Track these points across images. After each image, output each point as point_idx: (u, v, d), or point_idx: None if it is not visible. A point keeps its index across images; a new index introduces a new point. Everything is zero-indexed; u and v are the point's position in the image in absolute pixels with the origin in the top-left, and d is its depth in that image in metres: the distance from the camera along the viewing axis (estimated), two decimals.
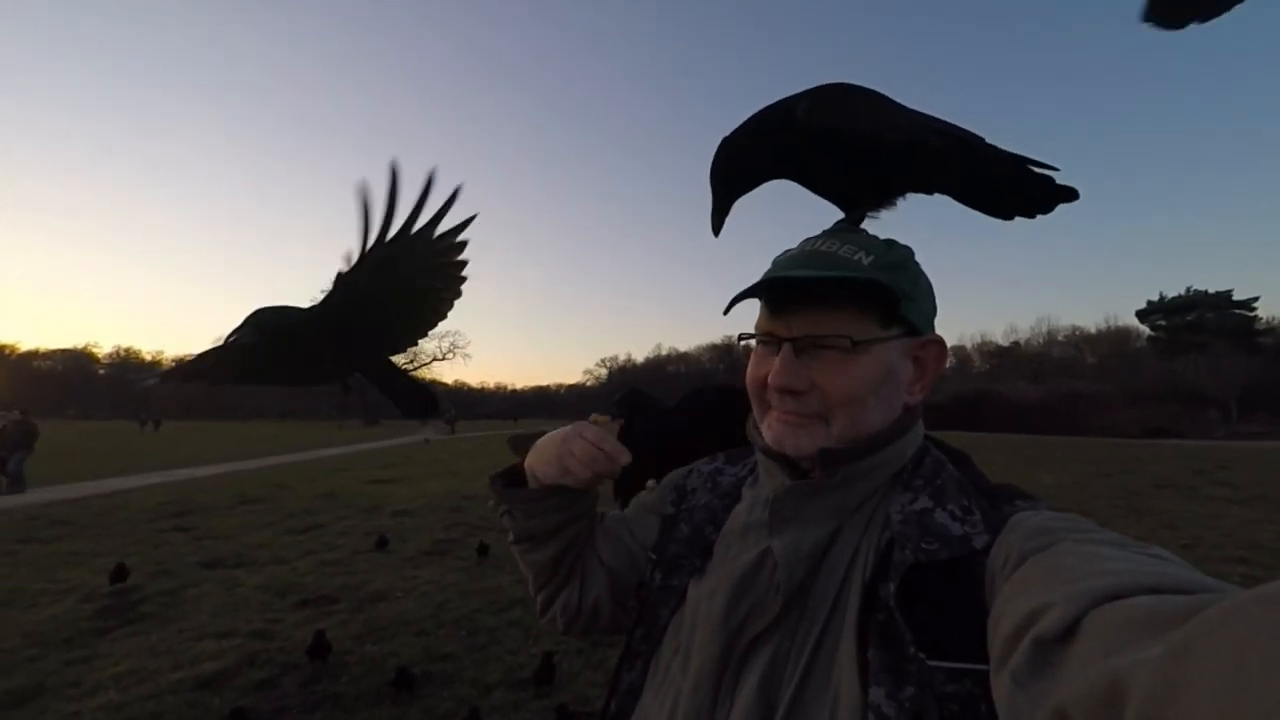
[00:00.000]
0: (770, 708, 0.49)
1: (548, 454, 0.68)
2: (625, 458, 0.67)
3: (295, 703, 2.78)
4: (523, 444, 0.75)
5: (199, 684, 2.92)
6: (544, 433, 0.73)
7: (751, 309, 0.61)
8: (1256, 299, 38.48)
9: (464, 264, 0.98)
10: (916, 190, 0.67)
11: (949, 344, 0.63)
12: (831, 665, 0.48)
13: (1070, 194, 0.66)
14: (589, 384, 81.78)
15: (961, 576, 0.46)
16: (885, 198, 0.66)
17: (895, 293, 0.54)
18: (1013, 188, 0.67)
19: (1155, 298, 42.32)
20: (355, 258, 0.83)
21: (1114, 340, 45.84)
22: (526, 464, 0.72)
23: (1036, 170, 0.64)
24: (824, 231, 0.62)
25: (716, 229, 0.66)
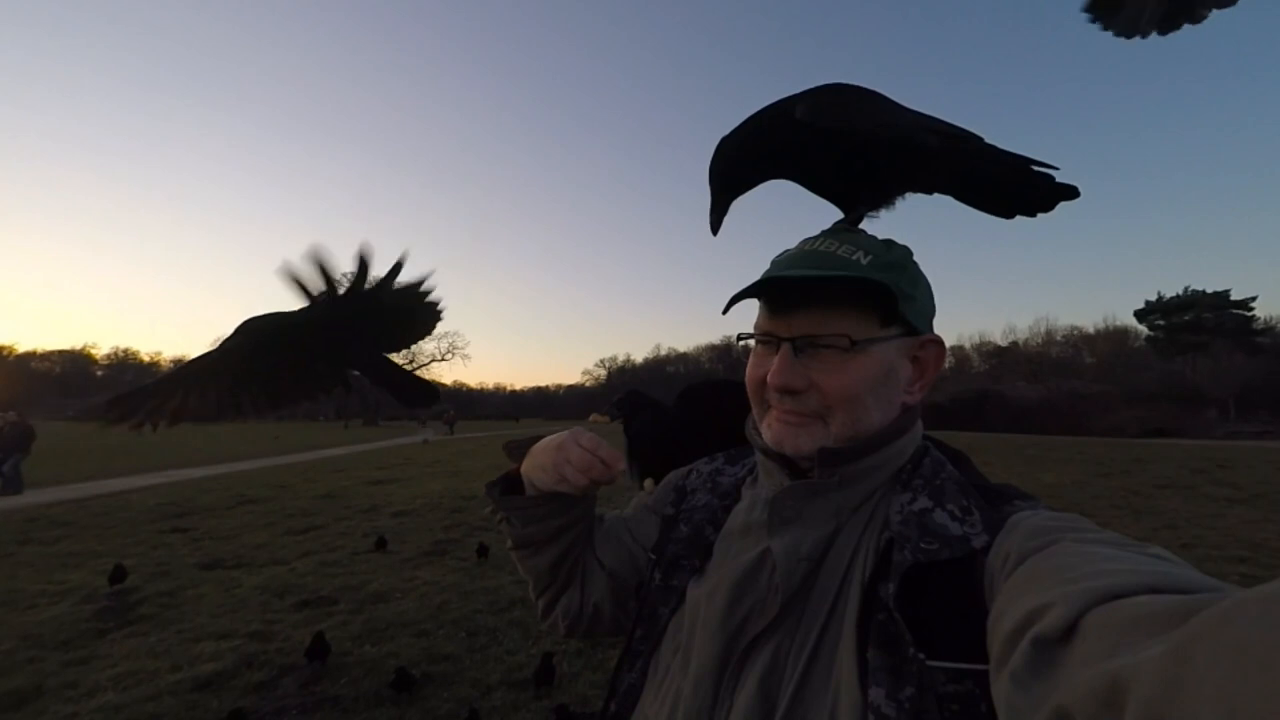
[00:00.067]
0: (770, 708, 0.49)
1: (544, 461, 0.68)
2: (621, 465, 0.67)
3: (294, 704, 2.77)
4: (518, 449, 0.75)
5: (198, 685, 2.92)
6: (540, 437, 0.72)
7: (751, 309, 0.61)
8: (1254, 298, 38.53)
9: (435, 303, 0.93)
10: (915, 190, 0.67)
11: (948, 344, 0.63)
12: (831, 665, 0.48)
13: (1071, 192, 0.66)
14: (588, 384, 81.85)
15: (961, 576, 0.46)
16: (884, 198, 0.66)
17: (894, 292, 0.54)
18: (1013, 187, 0.67)
19: (1153, 297, 42.36)
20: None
21: (1112, 340, 45.86)
22: (523, 470, 0.72)
23: (1037, 169, 0.64)
24: (823, 232, 0.62)
25: (715, 228, 0.66)
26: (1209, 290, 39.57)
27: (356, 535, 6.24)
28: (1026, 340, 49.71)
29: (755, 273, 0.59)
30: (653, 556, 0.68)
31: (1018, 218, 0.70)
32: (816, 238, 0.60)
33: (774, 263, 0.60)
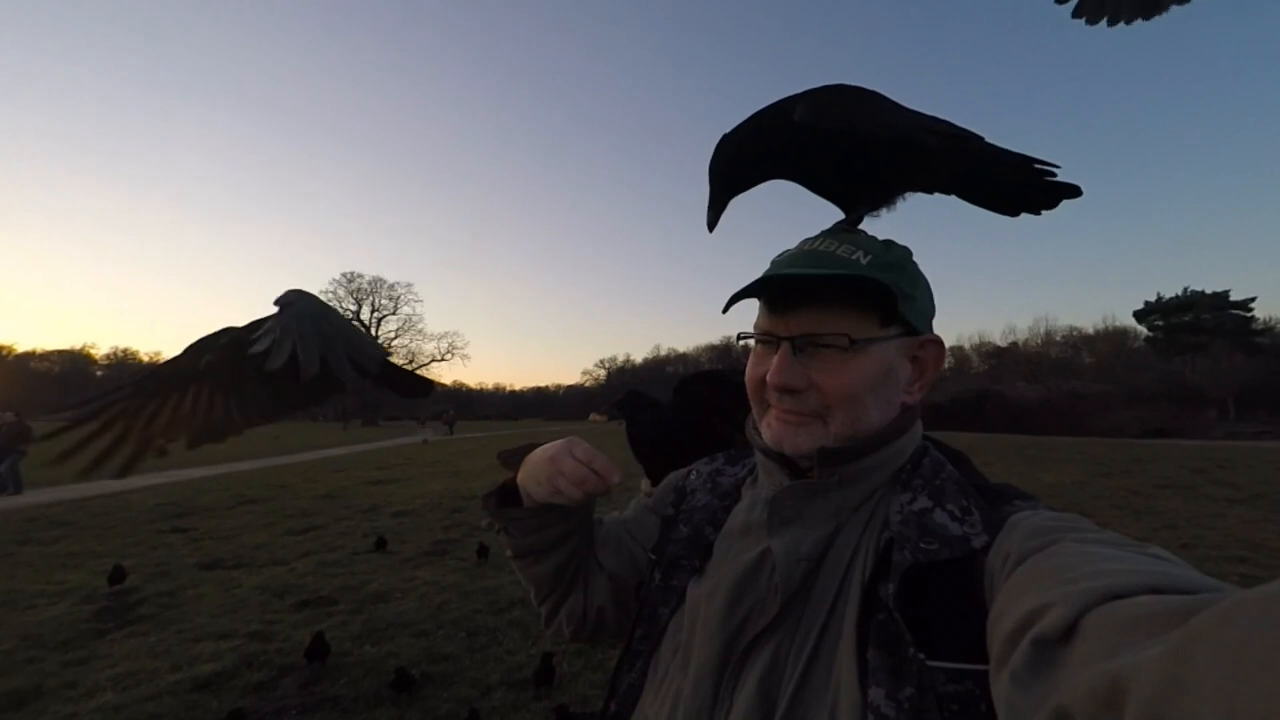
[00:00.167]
0: (770, 708, 0.49)
1: (538, 474, 0.67)
2: (616, 476, 0.66)
3: (294, 704, 2.77)
4: (513, 458, 0.74)
5: (197, 685, 2.92)
6: (535, 445, 0.72)
7: (750, 309, 0.61)
8: (1253, 299, 38.49)
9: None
10: (916, 190, 0.67)
11: (947, 344, 0.64)
12: (831, 665, 0.48)
13: (1073, 190, 0.66)
14: (588, 385, 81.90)
15: (961, 577, 0.46)
16: (884, 198, 0.66)
17: (893, 292, 0.54)
18: (1014, 186, 0.67)
19: (1153, 298, 42.33)
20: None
21: (1112, 340, 45.85)
22: (519, 480, 0.71)
23: (1038, 168, 0.64)
24: (823, 231, 0.62)
25: (711, 224, 0.66)
26: (1208, 291, 39.57)
27: (356, 535, 6.24)
28: (1026, 340, 49.73)
29: (755, 272, 0.59)
30: (653, 557, 0.68)
31: (1019, 216, 0.70)
32: (816, 238, 0.60)
33: (774, 262, 0.60)
